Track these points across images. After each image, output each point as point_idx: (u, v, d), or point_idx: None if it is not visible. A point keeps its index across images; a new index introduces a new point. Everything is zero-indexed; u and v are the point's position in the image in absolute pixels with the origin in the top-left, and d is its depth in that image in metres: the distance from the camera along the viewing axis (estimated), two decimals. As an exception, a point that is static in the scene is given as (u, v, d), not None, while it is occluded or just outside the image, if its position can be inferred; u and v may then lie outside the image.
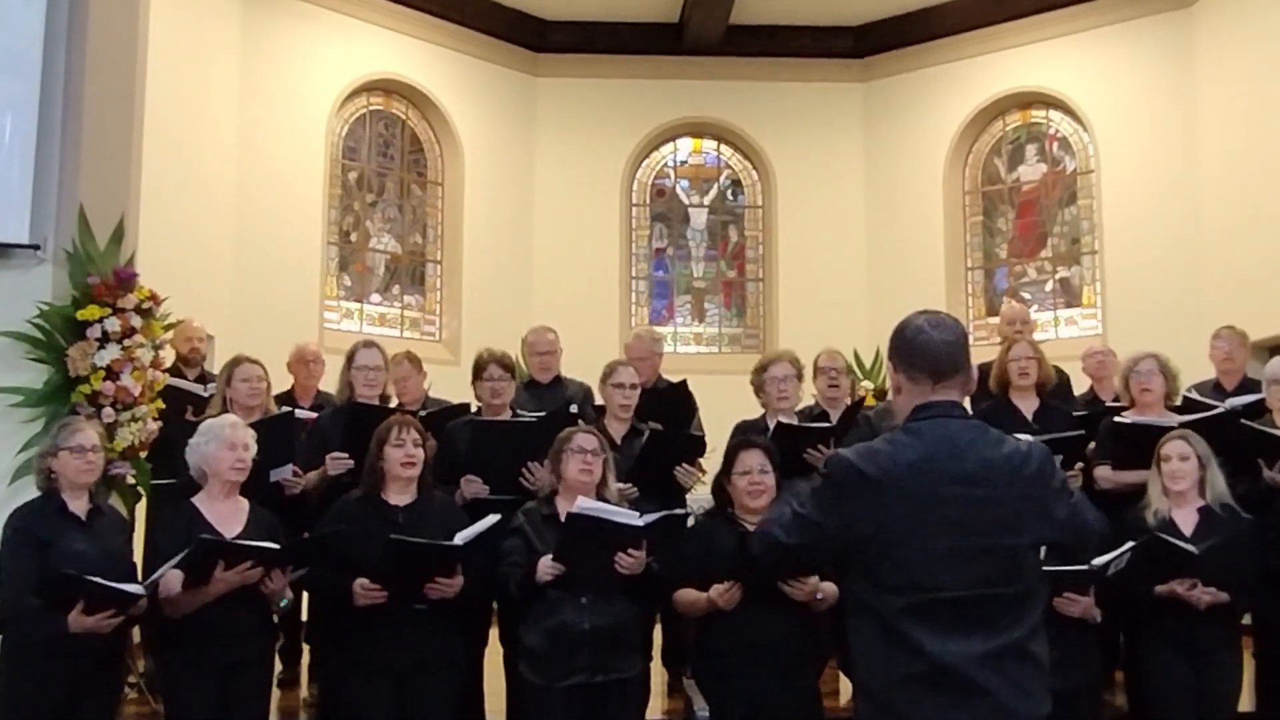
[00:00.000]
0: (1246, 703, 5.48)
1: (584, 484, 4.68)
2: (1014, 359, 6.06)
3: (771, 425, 5.77)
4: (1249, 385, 6.42)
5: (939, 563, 2.76)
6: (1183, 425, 5.44)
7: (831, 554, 2.96)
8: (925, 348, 2.92)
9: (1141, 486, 5.27)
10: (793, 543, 2.95)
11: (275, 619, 4.83)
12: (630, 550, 4.46)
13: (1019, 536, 2.83)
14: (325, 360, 7.00)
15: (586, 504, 4.47)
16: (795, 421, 5.92)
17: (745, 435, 5.31)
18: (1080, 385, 7.40)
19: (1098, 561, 4.66)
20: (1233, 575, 4.87)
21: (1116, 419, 5.89)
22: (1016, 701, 2.76)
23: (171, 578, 4.32)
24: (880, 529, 2.79)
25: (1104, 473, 5.81)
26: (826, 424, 5.98)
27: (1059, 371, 6.73)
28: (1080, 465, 5.72)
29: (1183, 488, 5.02)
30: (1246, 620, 5.58)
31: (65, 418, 5.00)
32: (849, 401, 6.37)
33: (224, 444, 4.59)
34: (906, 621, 2.76)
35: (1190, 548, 4.77)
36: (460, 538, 4.45)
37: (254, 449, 4.68)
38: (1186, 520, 4.99)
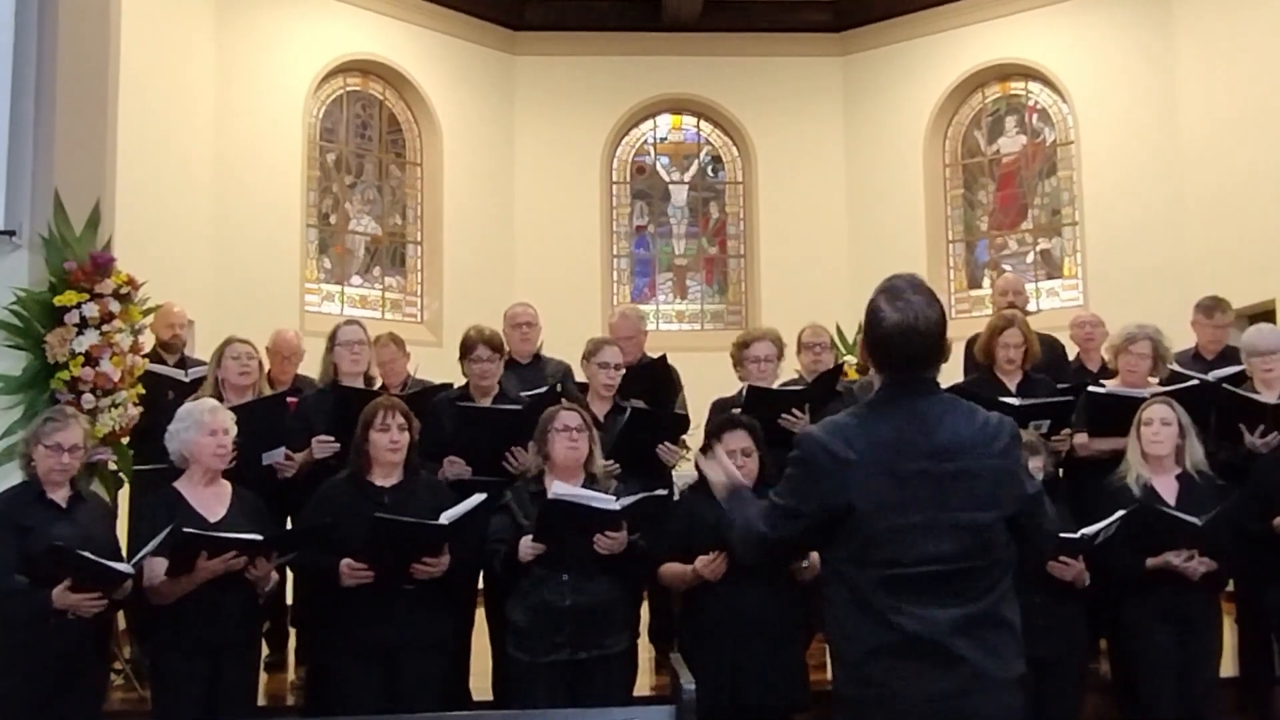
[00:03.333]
0: (1229, 668, 5.53)
1: (572, 460, 4.68)
2: (1003, 345, 6.04)
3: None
4: (1229, 355, 6.44)
5: (912, 538, 2.78)
6: (1155, 396, 5.45)
7: (814, 536, 2.94)
8: (888, 357, 2.92)
9: (1117, 453, 5.29)
10: (776, 535, 2.97)
11: (260, 602, 4.82)
12: (608, 532, 4.48)
13: (992, 510, 2.85)
14: (305, 351, 6.94)
15: (563, 489, 4.50)
16: (774, 392, 5.93)
17: (724, 413, 5.31)
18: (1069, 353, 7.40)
19: (1087, 531, 4.68)
20: (1225, 544, 4.89)
21: (1092, 389, 5.93)
22: (989, 665, 2.80)
23: (155, 566, 4.32)
24: (851, 506, 2.81)
25: (1081, 440, 5.87)
26: (800, 387, 5.99)
27: (1055, 342, 6.77)
28: (1066, 431, 5.76)
29: (1163, 453, 5.02)
30: (1229, 587, 5.62)
31: (54, 409, 4.93)
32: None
33: (204, 430, 4.56)
34: (879, 594, 2.79)
35: (1194, 520, 4.74)
36: (445, 517, 4.46)
37: (234, 432, 4.66)
38: (1167, 487, 4.99)
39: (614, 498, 4.55)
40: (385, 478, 4.74)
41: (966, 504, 2.81)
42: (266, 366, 6.61)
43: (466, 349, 5.69)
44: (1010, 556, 2.93)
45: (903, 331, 2.87)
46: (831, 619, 2.93)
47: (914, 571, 2.78)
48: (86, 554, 4.17)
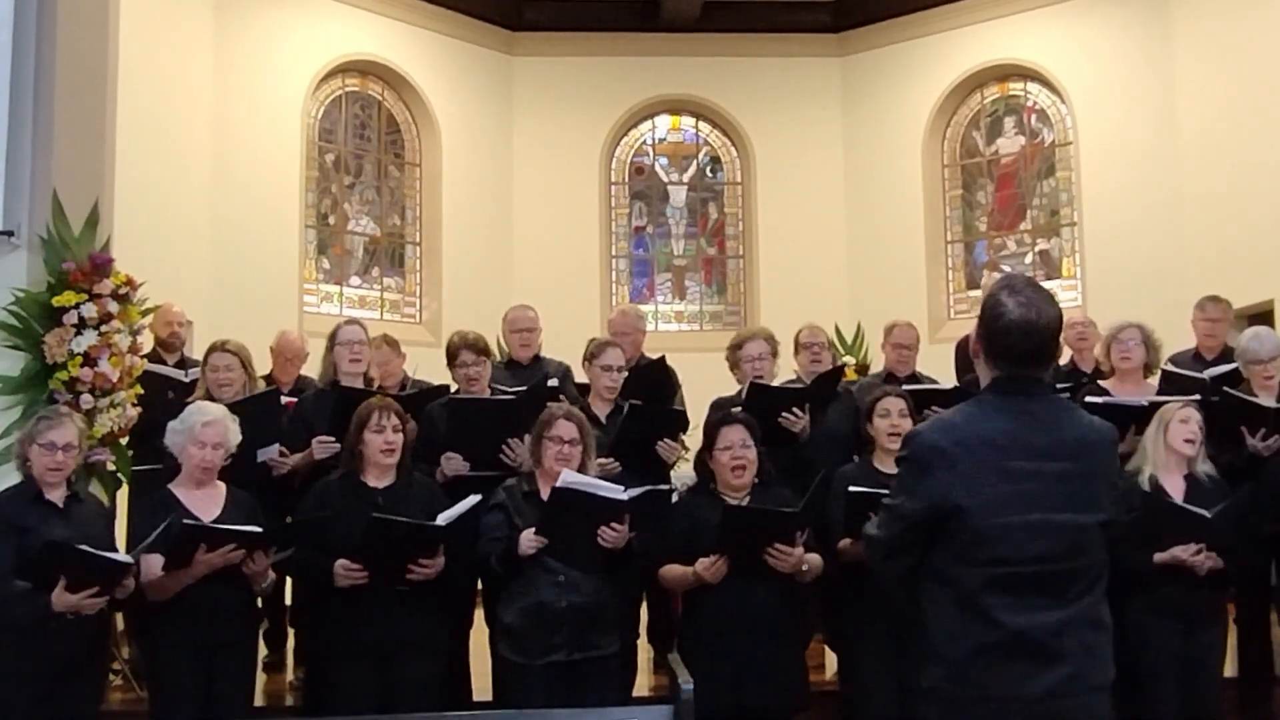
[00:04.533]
0: (1228, 668, 5.52)
1: (560, 472, 4.66)
2: None
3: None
4: (1228, 355, 6.44)
5: (1020, 537, 2.78)
6: (1153, 405, 5.43)
7: (921, 534, 2.90)
8: (1009, 350, 2.88)
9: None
10: (884, 535, 2.98)
11: (259, 602, 4.82)
12: (613, 525, 4.47)
13: (1095, 512, 2.87)
14: (309, 351, 6.94)
15: (572, 478, 4.47)
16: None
17: (723, 411, 5.30)
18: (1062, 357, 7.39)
19: None
20: (1233, 541, 4.89)
21: (1089, 399, 5.90)
22: (1089, 668, 2.83)
23: (153, 561, 4.32)
24: (961, 502, 2.80)
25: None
26: (800, 385, 5.98)
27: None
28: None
29: (1191, 453, 5.01)
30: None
31: (48, 408, 4.95)
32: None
33: (193, 440, 4.57)
34: (985, 593, 2.79)
35: (1203, 512, 4.75)
36: (442, 518, 4.45)
37: (232, 442, 4.66)
38: (1175, 488, 4.98)
39: (621, 487, 4.54)
40: (379, 479, 4.73)
41: (1072, 505, 2.82)
42: (268, 368, 6.63)
43: (451, 355, 5.71)
44: (1106, 559, 2.94)
45: (1025, 326, 2.85)
46: (932, 618, 2.90)
47: (1020, 570, 2.77)
48: (84, 547, 4.17)
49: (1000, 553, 2.78)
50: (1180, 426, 5.01)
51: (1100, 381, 6.23)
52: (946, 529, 2.84)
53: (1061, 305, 9.42)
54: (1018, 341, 2.86)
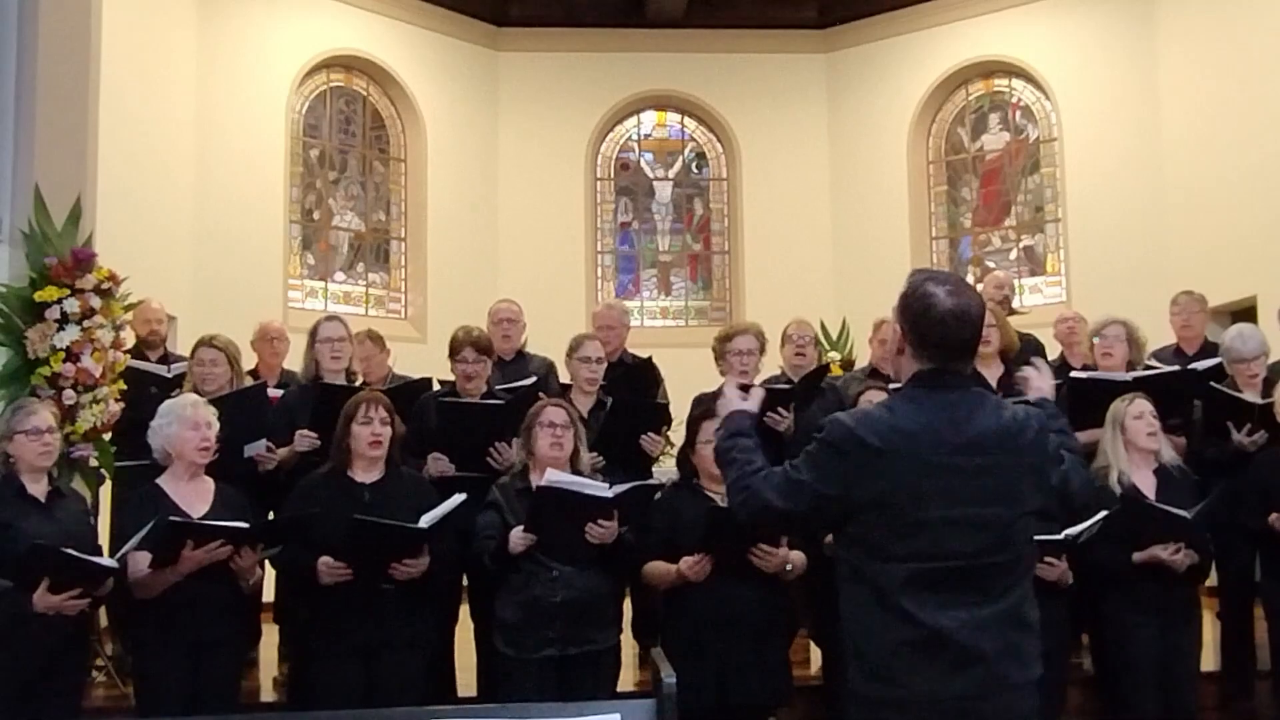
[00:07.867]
0: (1210, 662, 5.55)
1: (555, 458, 4.68)
2: None
3: None
4: (1209, 349, 6.47)
5: (940, 532, 2.75)
6: (1137, 380, 5.47)
7: (827, 519, 2.89)
8: (944, 340, 2.84)
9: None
10: (787, 507, 2.90)
11: (246, 595, 4.80)
12: (601, 521, 4.47)
13: (1016, 506, 2.83)
14: (290, 339, 6.94)
15: (556, 476, 4.49)
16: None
17: (705, 405, 5.29)
18: (1053, 352, 7.40)
19: (1070, 531, 4.69)
20: (1208, 538, 4.90)
21: (1074, 374, 5.92)
22: (1010, 667, 2.78)
23: (139, 558, 4.30)
24: (880, 497, 2.77)
25: (1064, 435, 5.84)
26: (786, 384, 5.97)
27: (1032, 338, 6.77)
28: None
29: (1156, 445, 5.00)
30: (1211, 581, 5.64)
31: (19, 400, 4.94)
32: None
33: (187, 424, 4.56)
34: (905, 591, 2.75)
35: (1184, 513, 4.76)
36: (425, 520, 4.44)
37: (216, 426, 4.64)
38: (1146, 483, 4.99)
39: (607, 484, 4.55)
40: (366, 473, 4.73)
41: (992, 498, 2.79)
42: (253, 361, 6.61)
43: (453, 350, 5.68)
44: (1032, 554, 2.92)
45: (959, 314, 2.82)
46: (851, 618, 2.88)
47: (938, 566, 2.74)
48: (70, 551, 4.15)
49: (916, 548, 2.75)
50: (1137, 423, 5.00)
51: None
52: (862, 523, 2.81)
53: (1046, 301, 9.47)
54: (952, 331, 2.83)
